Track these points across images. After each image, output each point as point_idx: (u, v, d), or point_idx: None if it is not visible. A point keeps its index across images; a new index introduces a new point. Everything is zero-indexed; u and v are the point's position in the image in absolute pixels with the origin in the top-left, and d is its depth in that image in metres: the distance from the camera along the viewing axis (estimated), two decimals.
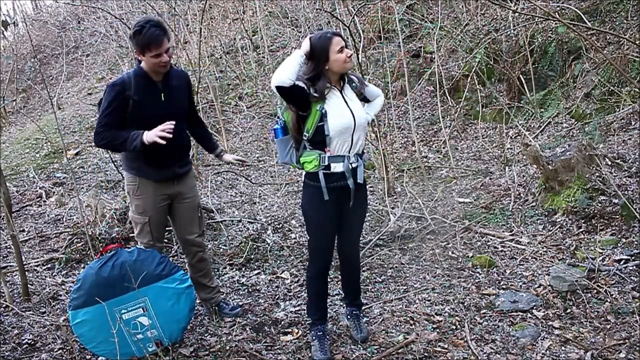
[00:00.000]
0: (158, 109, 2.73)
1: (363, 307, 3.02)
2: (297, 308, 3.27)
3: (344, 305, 3.06)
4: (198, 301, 3.37)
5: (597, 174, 3.98)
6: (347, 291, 2.97)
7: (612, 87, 5.14)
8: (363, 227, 2.88)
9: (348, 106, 2.54)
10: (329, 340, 2.76)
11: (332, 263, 3.11)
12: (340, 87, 2.58)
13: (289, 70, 2.37)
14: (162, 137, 2.56)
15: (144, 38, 2.54)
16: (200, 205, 3.07)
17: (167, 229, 3.29)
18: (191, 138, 3.09)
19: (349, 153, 2.55)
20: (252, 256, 4.05)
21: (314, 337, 2.76)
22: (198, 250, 3.07)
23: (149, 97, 2.72)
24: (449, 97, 6.64)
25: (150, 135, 2.56)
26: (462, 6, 7.45)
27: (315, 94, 2.46)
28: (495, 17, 6.82)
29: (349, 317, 2.94)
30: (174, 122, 2.63)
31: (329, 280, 3.16)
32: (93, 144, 2.73)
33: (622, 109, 4.91)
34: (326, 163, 2.53)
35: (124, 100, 2.66)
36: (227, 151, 3.19)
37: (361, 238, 3.82)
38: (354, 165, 2.57)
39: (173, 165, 2.85)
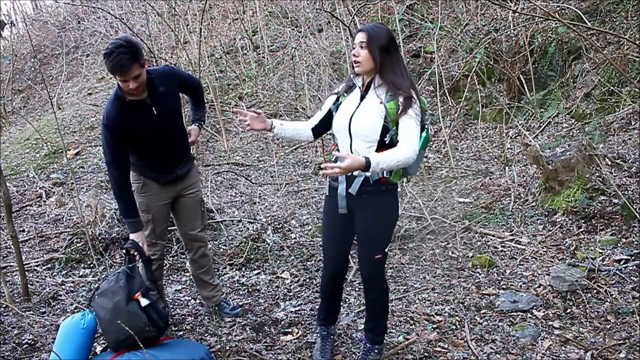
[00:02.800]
0: (152, 125, 2.69)
1: (376, 340, 2.63)
2: (297, 308, 3.27)
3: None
4: (198, 301, 3.38)
5: (597, 174, 3.98)
6: (366, 311, 2.68)
7: (612, 87, 5.14)
8: (375, 245, 2.44)
9: (356, 109, 2.35)
10: (331, 342, 2.76)
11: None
12: (364, 88, 2.40)
13: (292, 137, 2.57)
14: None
15: (110, 64, 2.48)
16: (203, 200, 3.08)
17: (169, 228, 3.28)
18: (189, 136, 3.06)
19: None
20: (252, 256, 4.06)
21: (318, 336, 2.76)
22: (200, 246, 3.07)
23: (142, 119, 2.66)
24: (449, 97, 6.64)
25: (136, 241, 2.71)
26: (462, 6, 7.45)
27: (345, 87, 2.48)
28: (495, 17, 6.82)
29: (360, 343, 2.76)
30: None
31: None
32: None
33: (622, 109, 4.91)
34: (333, 159, 2.48)
35: (118, 136, 2.63)
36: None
37: None
38: (354, 173, 2.33)
39: (174, 169, 2.85)
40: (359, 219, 2.45)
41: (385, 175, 2.34)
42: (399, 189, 5.23)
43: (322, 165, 2.20)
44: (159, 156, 2.78)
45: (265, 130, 2.48)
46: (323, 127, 2.57)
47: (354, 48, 2.32)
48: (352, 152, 2.37)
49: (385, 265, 3.74)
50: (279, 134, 2.51)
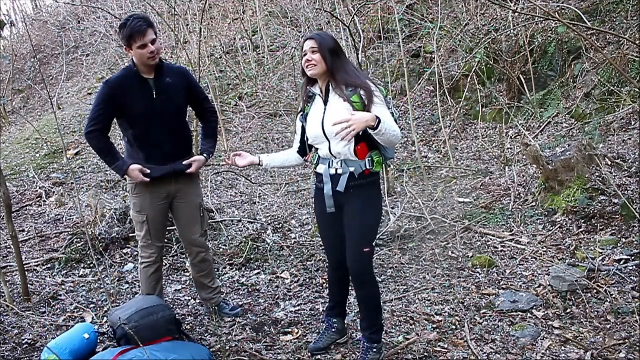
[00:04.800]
0: (149, 108, 2.74)
1: (373, 339, 2.61)
2: (297, 308, 3.27)
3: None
4: (198, 301, 3.38)
5: (597, 174, 3.98)
6: (359, 310, 2.69)
7: (612, 87, 5.14)
8: (363, 239, 2.47)
9: (324, 115, 2.44)
10: (330, 335, 2.76)
11: None
12: (324, 93, 2.48)
13: (283, 165, 2.73)
14: (144, 174, 2.78)
15: (128, 30, 2.61)
16: (203, 205, 3.07)
17: (169, 229, 3.28)
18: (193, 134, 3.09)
19: (334, 158, 2.46)
20: (252, 256, 4.05)
21: (322, 327, 2.83)
22: (200, 251, 3.06)
23: (140, 96, 2.73)
24: (449, 97, 6.64)
25: (134, 175, 2.77)
26: (462, 6, 7.45)
27: (304, 100, 2.54)
28: (495, 17, 6.82)
29: (360, 342, 2.75)
30: (148, 171, 2.79)
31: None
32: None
33: (622, 109, 4.91)
34: (315, 162, 2.57)
35: (113, 101, 2.72)
36: (205, 157, 3.14)
37: None
38: (339, 171, 2.44)
39: (169, 163, 2.85)
40: (347, 214, 2.51)
41: (368, 167, 2.42)
42: (398, 189, 5.25)
43: (335, 127, 2.26)
44: (153, 144, 2.79)
45: (254, 165, 2.67)
46: (306, 147, 2.65)
47: (304, 55, 2.41)
48: (332, 154, 2.46)
49: (385, 265, 3.77)
50: (269, 164, 2.68)
